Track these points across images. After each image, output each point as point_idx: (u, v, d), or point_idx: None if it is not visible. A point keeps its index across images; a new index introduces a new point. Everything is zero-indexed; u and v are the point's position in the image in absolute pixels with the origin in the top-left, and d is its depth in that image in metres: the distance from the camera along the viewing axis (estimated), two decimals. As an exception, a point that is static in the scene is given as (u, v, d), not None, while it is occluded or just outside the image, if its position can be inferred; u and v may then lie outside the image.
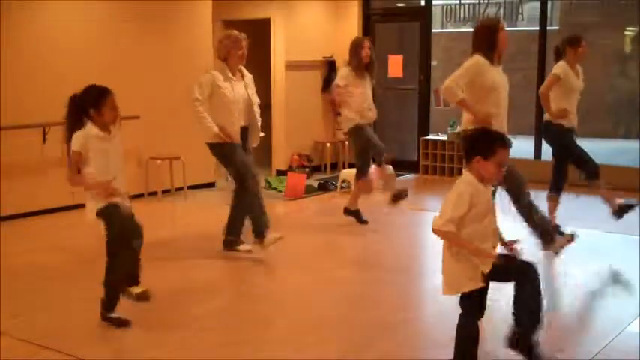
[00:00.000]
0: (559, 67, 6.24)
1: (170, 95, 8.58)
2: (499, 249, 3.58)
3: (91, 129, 4.24)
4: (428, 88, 10.42)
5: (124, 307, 4.50)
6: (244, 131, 6.06)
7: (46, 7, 7.60)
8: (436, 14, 10.94)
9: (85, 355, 4.05)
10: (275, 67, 10.33)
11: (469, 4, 10.42)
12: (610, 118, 13.38)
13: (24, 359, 4.06)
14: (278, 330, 4.59)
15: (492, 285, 3.53)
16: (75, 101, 4.26)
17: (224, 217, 6.20)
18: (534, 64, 9.59)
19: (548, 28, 9.69)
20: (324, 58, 10.64)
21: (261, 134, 6.26)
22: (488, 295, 3.56)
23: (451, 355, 3.53)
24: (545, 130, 6.53)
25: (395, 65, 10.63)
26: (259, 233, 6.02)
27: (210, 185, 9.15)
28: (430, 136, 10.38)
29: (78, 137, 4.22)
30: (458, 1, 10.48)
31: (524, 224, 5.71)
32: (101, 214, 4.31)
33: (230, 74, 5.94)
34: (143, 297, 4.53)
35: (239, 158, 5.96)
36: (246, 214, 6.09)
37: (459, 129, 5.79)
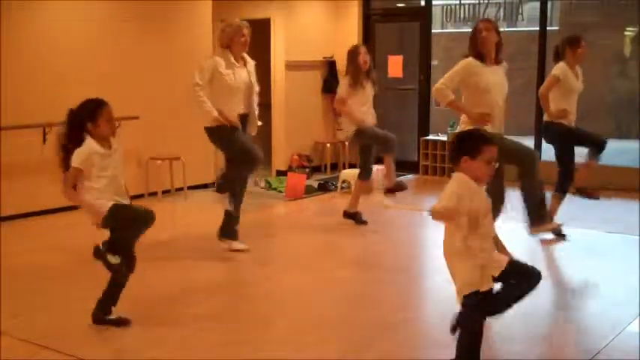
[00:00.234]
0: (558, 69, 6.24)
1: (170, 95, 8.58)
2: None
3: (91, 145, 4.22)
4: (428, 89, 10.41)
5: (125, 308, 4.49)
6: (243, 119, 6.05)
7: (46, 7, 7.60)
8: (436, 14, 10.93)
9: (85, 355, 4.05)
10: (275, 67, 10.34)
11: (469, 4, 10.42)
12: (610, 118, 13.36)
13: (24, 359, 4.06)
14: (278, 330, 4.59)
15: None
16: (72, 116, 4.25)
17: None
18: (534, 64, 9.59)
19: (548, 28, 9.70)
20: (324, 58, 10.64)
21: (259, 123, 6.25)
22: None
23: (452, 355, 3.52)
24: (545, 131, 6.53)
25: (395, 65, 10.63)
26: (228, 234, 6.08)
27: (211, 185, 9.15)
28: (430, 137, 10.38)
29: (80, 154, 4.19)
30: (458, 2, 10.48)
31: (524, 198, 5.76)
32: (107, 221, 4.30)
33: (233, 60, 5.94)
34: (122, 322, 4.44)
35: (239, 141, 5.94)
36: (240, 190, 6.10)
37: (458, 129, 5.78)
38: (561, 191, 6.52)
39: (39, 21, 7.56)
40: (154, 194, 8.53)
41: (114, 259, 4.33)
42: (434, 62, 10.93)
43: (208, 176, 8.98)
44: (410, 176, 10.28)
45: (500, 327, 4.27)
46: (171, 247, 6.49)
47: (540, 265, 5.93)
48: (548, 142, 6.58)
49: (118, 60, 8.19)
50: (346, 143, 9.96)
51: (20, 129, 7.26)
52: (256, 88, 6.14)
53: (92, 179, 4.24)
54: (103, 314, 4.42)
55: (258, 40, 10.43)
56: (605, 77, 12.54)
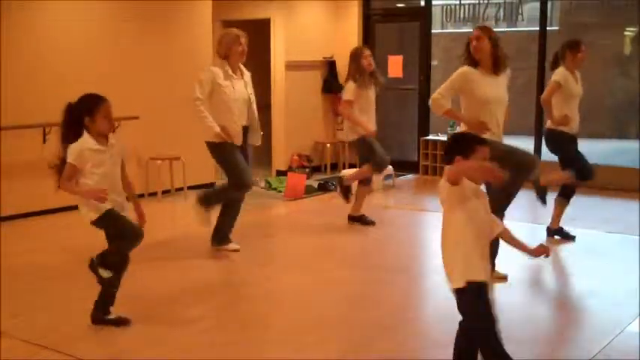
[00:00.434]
0: (559, 74, 6.20)
1: (170, 95, 8.59)
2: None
3: (86, 141, 4.18)
4: (428, 89, 10.41)
5: (124, 308, 4.49)
6: (244, 130, 6.05)
7: (46, 7, 7.60)
8: (436, 14, 10.94)
9: (85, 355, 4.05)
10: (275, 68, 10.34)
11: (469, 4, 10.42)
12: (610, 118, 13.38)
13: (24, 359, 4.06)
14: (278, 330, 4.60)
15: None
16: (70, 110, 4.23)
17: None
18: (534, 64, 9.58)
19: (548, 28, 9.68)
20: (324, 58, 10.64)
21: (261, 132, 6.25)
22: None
23: (452, 355, 3.51)
24: (547, 138, 6.47)
25: (395, 65, 10.63)
26: (220, 239, 6.10)
27: (211, 185, 9.14)
28: (430, 137, 10.38)
29: (73, 149, 4.17)
30: (458, 2, 10.49)
31: None
32: (98, 222, 4.29)
33: (231, 72, 5.93)
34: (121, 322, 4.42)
35: (238, 161, 5.95)
36: (233, 213, 6.12)
37: (458, 129, 5.75)
38: (565, 196, 6.45)
39: (39, 21, 7.56)
40: (153, 194, 8.53)
41: (105, 273, 4.35)
42: (434, 62, 10.95)
43: (208, 176, 8.98)
44: (410, 176, 10.28)
45: (500, 327, 4.27)
46: (171, 247, 6.49)
47: (540, 265, 5.96)
48: (550, 150, 6.49)
49: (118, 60, 8.19)
50: (346, 143, 9.96)
51: (20, 129, 7.26)
52: (253, 97, 6.12)
53: (86, 175, 4.20)
54: (101, 314, 4.42)
55: (258, 40, 10.44)
56: (605, 77, 12.56)
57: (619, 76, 13.12)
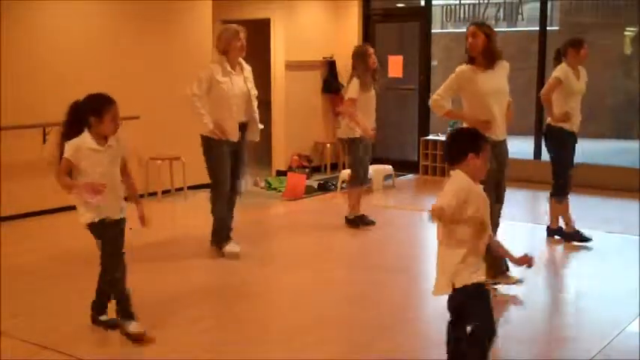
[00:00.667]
0: (560, 70, 6.20)
1: (170, 95, 8.58)
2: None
3: (85, 139, 4.14)
4: (428, 89, 10.41)
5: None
6: (243, 126, 6.04)
7: (46, 7, 7.60)
8: (436, 14, 10.93)
9: (85, 355, 4.05)
10: (275, 67, 10.34)
11: (469, 4, 10.42)
12: (610, 118, 13.38)
13: (24, 359, 4.06)
14: (278, 330, 4.60)
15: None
16: (76, 107, 4.17)
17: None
18: (534, 64, 9.58)
19: (548, 28, 9.69)
20: (324, 58, 10.64)
21: (261, 126, 6.23)
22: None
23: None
24: (546, 134, 6.46)
25: (395, 65, 10.62)
26: (218, 240, 6.09)
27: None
28: (430, 137, 10.38)
29: (71, 145, 4.12)
30: (458, 2, 10.49)
31: None
32: (91, 228, 4.25)
33: (229, 68, 5.92)
34: (137, 338, 4.27)
35: (222, 167, 5.96)
36: (217, 216, 6.10)
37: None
38: (557, 195, 6.40)
39: (39, 21, 7.56)
40: (153, 194, 8.53)
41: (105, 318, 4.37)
42: (434, 62, 10.95)
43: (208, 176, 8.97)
44: (410, 176, 10.28)
45: (500, 327, 4.27)
46: (171, 247, 6.49)
47: (540, 265, 5.96)
48: (547, 147, 6.46)
49: (118, 60, 8.19)
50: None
51: (20, 129, 7.26)
52: (254, 92, 6.10)
53: (83, 174, 4.15)
54: (96, 315, 4.41)
55: (258, 40, 10.45)
56: (605, 77, 12.55)
57: (619, 76, 13.12)
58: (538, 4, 9.65)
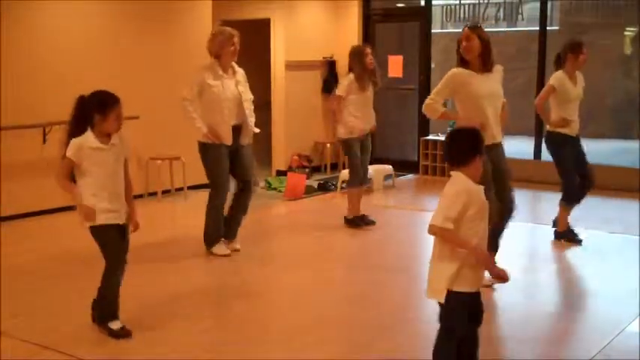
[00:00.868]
0: (555, 78, 6.19)
1: (170, 95, 8.56)
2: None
3: (87, 138, 4.11)
4: (428, 88, 10.39)
5: (124, 308, 4.46)
6: (237, 129, 6.04)
7: (46, 7, 7.60)
8: (436, 14, 10.93)
9: (85, 355, 4.05)
10: (275, 67, 10.34)
11: (469, 4, 10.42)
12: (610, 118, 13.37)
13: (24, 359, 4.06)
14: (278, 330, 4.60)
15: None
16: (82, 103, 4.15)
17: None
18: (534, 64, 9.58)
19: (548, 28, 9.69)
20: (324, 58, 10.64)
21: (256, 130, 6.20)
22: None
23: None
24: (546, 140, 6.45)
25: (395, 65, 10.62)
26: (210, 243, 6.08)
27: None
28: (430, 137, 10.38)
29: (73, 144, 4.10)
30: (458, 2, 10.49)
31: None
32: (93, 233, 4.23)
33: (221, 72, 5.91)
34: (123, 334, 4.29)
35: (220, 169, 5.96)
36: (213, 218, 6.10)
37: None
38: (566, 200, 6.37)
39: (39, 21, 7.56)
40: (153, 194, 8.53)
41: (115, 325, 4.31)
42: (433, 63, 10.94)
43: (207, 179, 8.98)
44: (410, 176, 10.28)
45: (500, 327, 4.28)
46: (171, 246, 6.49)
47: (540, 265, 5.96)
48: (549, 152, 6.46)
49: (118, 60, 8.19)
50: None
51: (20, 129, 7.26)
52: (248, 96, 6.08)
53: (86, 174, 4.13)
54: (100, 318, 4.37)
55: (258, 40, 10.46)
56: (605, 77, 12.55)
57: (619, 76, 13.12)
58: (538, 4, 9.65)
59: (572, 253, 6.23)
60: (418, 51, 10.55)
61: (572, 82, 6.22)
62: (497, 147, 5.18)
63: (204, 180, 6.27)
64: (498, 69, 5.29)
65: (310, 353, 4.09)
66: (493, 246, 4.86)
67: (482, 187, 3.34)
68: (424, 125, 10.52)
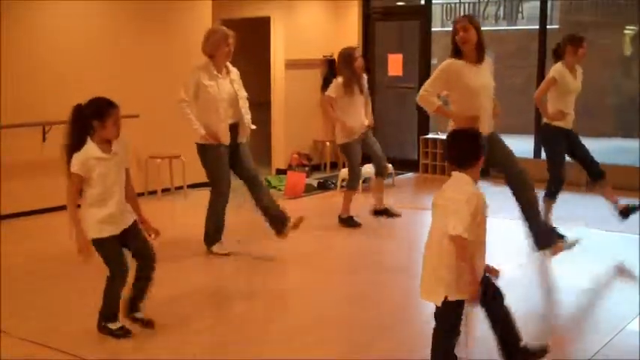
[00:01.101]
0: (555, 70, 6.21)
1: (170, 94, 8.49)
2: None
3: (89, 149, 4.09)
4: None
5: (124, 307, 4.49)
6: (234, 128, 6.03)
7: (46, 7, 7.60)
8: (436, 13, 10.94)
9: (85, 355, 4.05)
10: (275, 66, 10.33)
11: (469, 2, 10.43)
12: (610, 117, 13.38)
13: (24, 359, 4.07)
14: (278, 330, 4.60)
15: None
16: (80, 110, 4.13)
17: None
18: (534, 63, 9.58)
19: (548, 26, 9.69)
20: (324, 56, 10.63)
21: (253, 127, 6.20)
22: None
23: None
24: (542, 133, 6.48)
25: (395, 64, 10.62)
26: (211, 241, 6.10)
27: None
28: (430, 135, 10.38)
29: (77, 159, 4.07)
30: (458, 0, 10.48)
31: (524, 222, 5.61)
32: (94, 244, 4.21)
33: (215, 72, 5.90)
34: (122, 333, 4.31)
35: (219, 168, 5.97)
36: (215, 219, 6.10)
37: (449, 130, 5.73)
38: (550, 195, 6.40)
39: (39, 21, 7.56)
40: (153, 193, 8.54)
41: (114, 326, 4.31)
42: (434, 61, 10.93)
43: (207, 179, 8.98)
44: (410, 175, 10.28)
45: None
46: (171, 246, 6.47)
47: (539, 265, 5.96)
48: (541, 145, 6.50)
49: (118, 60, 8.19)
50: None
51: (20, 128, 7.26)
52: (243, 94, 6.08)
53: (91, 184, 4.11)
54: (103, 320, 4.36)
55: (257, 39, 10.46)
56: (605, 76, 12.55)
57: (619, 74, 13.12)
58: (538, 3, 9.64)
59: (572, 253, 6.22)
60: (418, 49, 10.54)
61: (573, 74, 6.24)
62: (492, 134, 5.22)
63: (204, 179, 6.28)
64: (488, 60, 5.33)
65: (310, 353, 4.09)
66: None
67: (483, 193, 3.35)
68: (424, 124, 10.52)
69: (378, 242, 6.75)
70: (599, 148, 8.73)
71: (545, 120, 6.33)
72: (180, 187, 8.72)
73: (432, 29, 10.63)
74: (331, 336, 4.41)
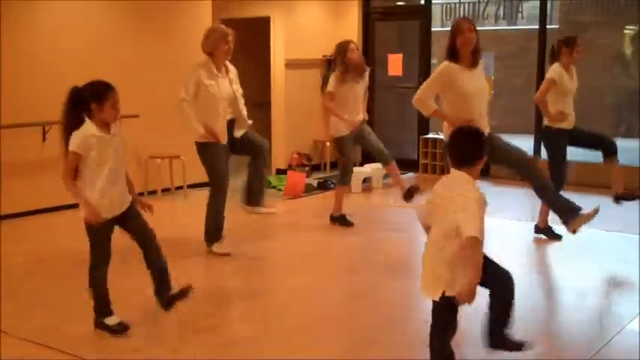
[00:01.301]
0: (553, 71, 6.22)
1: (170, 94, 8.50)
2: None
3: (89, 128, 4.07)
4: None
5: (124, 307, 4.49)
6: (230, 123, 6.04)
7: (46, 7, 7.60)
8: (436, 12, 10.94)
9: (85, 355, 4.05)
10: (275, 66, 10.33)
11: (469, 2, 10.43)
12: (610, 116, 13.38)
13: (24, 359, 4.07)
14: (278, 330, 4.60)
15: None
16: (76, 93, 4.11)
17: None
18: (534, 62, 9.58)
19: (548, 26, 9.69)
20: (324, 56, 10.62)
21: (250, 122, 6.21)
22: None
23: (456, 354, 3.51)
24: (543, 135, 6.48)
25: (395, 64, 10.63)
26: (211, 240, 6.09)
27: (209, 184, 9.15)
28: (430, 135, 10.39)
29: (76, 137, 4.04)
30: (458, 0, 10.48)
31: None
32: (87, 226, 4.23)
33: (215, 70, 5.91)
34: (120, 329, 4.32)
35: (218, 166, 5.97)
36: (214, 216, 6.11)
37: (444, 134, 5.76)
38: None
39: (39, 21, 7.56)
40: (153, 193, 8.53)
41: (111, 321, 4.32)
42: (434, 61, 10.94)
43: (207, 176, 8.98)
44: (410, 175, 10.28)
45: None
46: (171, 246, 6.44)
47: (539, 265, 5.96)
48: (544, 144, 6.50)
49: (118, 59, 8.19)
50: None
51: (20, 127, 7.26)
52: (240, 92, 6.09)
53: (92, 168, 4.08)
54: (100, 319, 4.37)
55: (257, 39, 10.46)
56: (605, 76, 12.55)
57: (619, 74, 13.12)
58: (538, 3, 9.65)
59: (572, 252, 6.23)
60: (418, 49, 10.55)
61: (569, 75, 6.26)
62: (490, 134, 5.24)
63: (204, 178, 6.28)
64: (482, 64, 5.34)
65: (310, 353, 4.10)
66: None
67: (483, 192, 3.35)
68: (424, 124, 10.52)
69: (378, 242, 6.75)
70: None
71: (546, 122, 6.34)
72: (180, 187, 8.72)
73: (432, 29, 10.63)
74: (331, 336, 4.41)
